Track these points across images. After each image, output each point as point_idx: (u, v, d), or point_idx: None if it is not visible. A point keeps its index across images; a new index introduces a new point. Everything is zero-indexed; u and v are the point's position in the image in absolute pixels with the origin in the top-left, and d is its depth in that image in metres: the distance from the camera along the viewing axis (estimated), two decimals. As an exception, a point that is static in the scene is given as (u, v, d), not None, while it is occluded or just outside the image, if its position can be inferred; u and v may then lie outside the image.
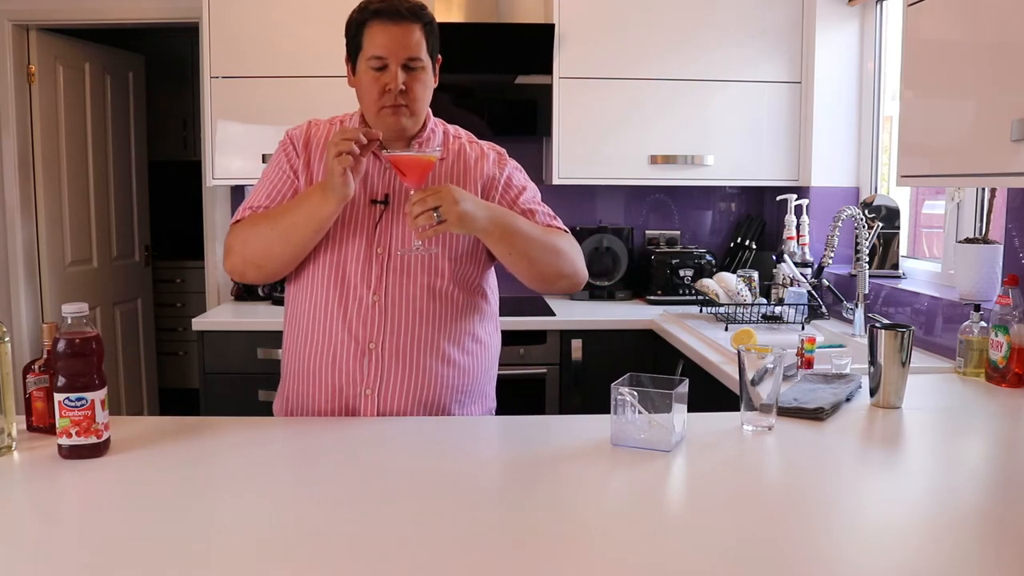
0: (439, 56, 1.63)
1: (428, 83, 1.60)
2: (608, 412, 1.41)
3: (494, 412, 1.77)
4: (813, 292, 2.77)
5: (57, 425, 1.30)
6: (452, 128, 1.74)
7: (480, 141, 1.74)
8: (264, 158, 3.04)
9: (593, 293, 3.30)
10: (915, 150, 1.91)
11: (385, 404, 1.60)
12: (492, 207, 1.57)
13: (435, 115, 1.72)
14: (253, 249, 1.60)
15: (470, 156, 1.69)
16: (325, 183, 1.51)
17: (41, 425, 1.43)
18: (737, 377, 1.53)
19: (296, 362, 1.64)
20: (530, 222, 1.65)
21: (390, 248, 1.59)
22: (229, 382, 2.82)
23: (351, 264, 1.59)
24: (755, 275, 2.88)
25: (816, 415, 1.58)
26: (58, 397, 1.28)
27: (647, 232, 3.51)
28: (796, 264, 2.87)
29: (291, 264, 1.62)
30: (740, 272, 2.87)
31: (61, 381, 1.29)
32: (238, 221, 1.65)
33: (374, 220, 1.60)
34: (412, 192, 1.49)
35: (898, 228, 2.77)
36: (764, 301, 2.84)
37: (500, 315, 1.81)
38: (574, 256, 1.69)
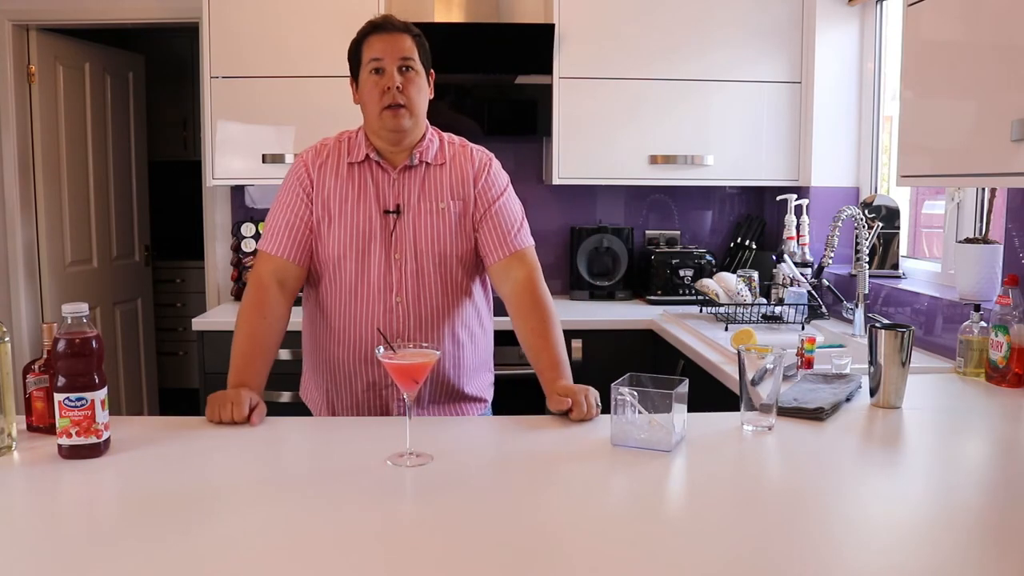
0: (431, 71, 1.77)
1: (423, 88, 1.73)
2: (608, 412, 1.41)
3: (494, 379, 1.92)
4: (813, 292, 2.77)
5: (57, 425, 1.30)
6: (447, 135, 1.84)
7: (472, 145, 1.84)
8: (264, 158, 3.04)
9: (593, 293, 3.30)
10: (915, 150, 1.91)
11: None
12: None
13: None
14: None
15: (464, 162, 1.80)
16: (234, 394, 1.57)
17: (41, 425, 1.43)
18: (737, 377, 1.53)
19: (332, 362, 1.78)
20: (563, 351, 1.71)
21: (405, 253, 1.72)
22: (229, 382, 2.81)
23: (374, 271, 1.73)
24: (755, 275, 2.88)
25: (816, 415, 1.58)
26: (58, 397, 1.29)
27: (647, 232, 3.51)
28: (796, 264, 2.87)
29: None
30: (740, 272, 2.87)
31: (61, 381, 1.29)
32: (258, 253, 1.80)
33: (389, 229, 1.72)
34: (572, 403, 1.53)
35: (898, 228, 2.77)
36: (764, 301, 2.84)
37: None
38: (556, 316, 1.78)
